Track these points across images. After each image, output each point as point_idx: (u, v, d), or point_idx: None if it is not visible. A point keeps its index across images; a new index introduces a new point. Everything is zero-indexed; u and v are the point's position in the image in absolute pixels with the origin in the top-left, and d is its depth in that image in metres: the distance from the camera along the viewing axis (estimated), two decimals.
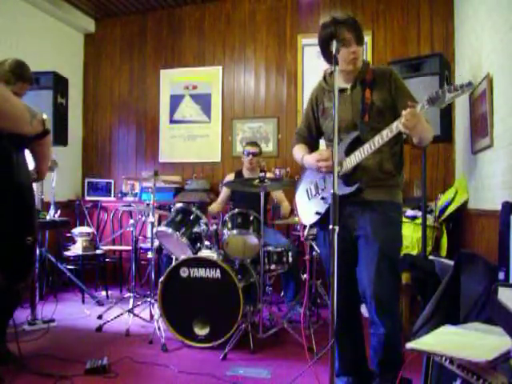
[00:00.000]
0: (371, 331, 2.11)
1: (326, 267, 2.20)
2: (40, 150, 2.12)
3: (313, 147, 2.35)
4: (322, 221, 2.16)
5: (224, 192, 4.17)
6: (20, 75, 2.43)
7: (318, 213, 2.19)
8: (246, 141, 4.83)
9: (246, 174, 4.05)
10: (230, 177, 4.14)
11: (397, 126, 1.86)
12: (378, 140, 1.93)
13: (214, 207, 4.14)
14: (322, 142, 2.38)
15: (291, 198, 4.16)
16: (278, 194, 4.09)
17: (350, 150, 2.04)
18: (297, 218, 3.46)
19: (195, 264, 3.01)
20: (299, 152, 2.30)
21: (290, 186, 4.18)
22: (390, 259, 2.05)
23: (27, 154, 2.15)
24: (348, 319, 2.18)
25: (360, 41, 2.04)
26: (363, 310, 2.51)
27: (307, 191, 2.29)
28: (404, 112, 1.80)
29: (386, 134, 1.90)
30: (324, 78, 2.25)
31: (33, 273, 2.60)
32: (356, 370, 2.21)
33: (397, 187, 2.13)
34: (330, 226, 1.66)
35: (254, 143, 4.11)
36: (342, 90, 2.11)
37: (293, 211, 4.05)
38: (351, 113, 2.09)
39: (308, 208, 2.27)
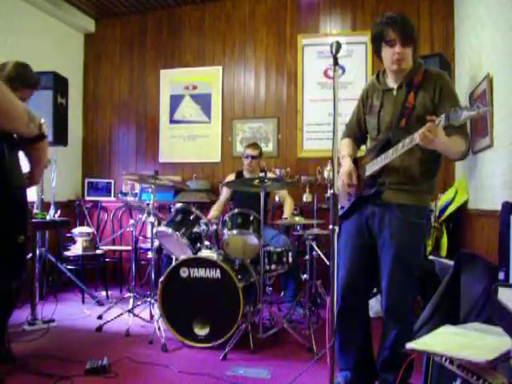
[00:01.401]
0: (382, 331, 2.13)
1: (339, 261, 2.18)
2: (35, 154, 2.10)
3: (360, 142, 2.37)
4: (344, 216, 2.20)
5: (224, 194, 4.16)
6: (25, 81, 2.33)
7: (341, 207, 2.22)
8: (246, 141, 4.84)
9: (247, 175, 4.04)
10: (231, 178, 4.14)
11: (416, 139, 1.81)
12: (400, 147, 1.90)
13: (214, 214, 3.99)
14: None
15: (293, 195, 4.19)
16: (281, 192, 4.09)
17: (379, 152, 2.03)
18: (297, 218, 3.48)
19: (195, 264, 3.01)
20: (343, 148, 2.29)
21: (289, 187, 4.20)
22: (406, 265, 2.02)
23: (22, 157, 2.14)
24: (355, 315, 2.18)
25: (406, 42, 1.98)
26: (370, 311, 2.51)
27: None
28: (422, 127, 1.75)
29: (407, 143, 1.86)
30: (377, 75, 2.22)
31: (27, 272, 2.59)
32: (359, 368, 2.21)
33: (422, 192, 2.07)
34: (330, 226, 1.66)
35: (253, 145, 4.05)
36: (388, 90, 2.11)
37: (295, 207, 4.06)
38: (391, 115, 2.08)
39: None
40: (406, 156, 1.96)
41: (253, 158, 3.95)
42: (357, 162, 2.25)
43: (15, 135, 2.00)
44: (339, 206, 2.24)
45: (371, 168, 2.07)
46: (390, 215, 2.04)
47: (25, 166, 2.16)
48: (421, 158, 2.02)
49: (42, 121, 2.03)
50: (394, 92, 2.09)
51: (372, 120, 2.17)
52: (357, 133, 2.33)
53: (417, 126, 1.89)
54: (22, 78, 2.34)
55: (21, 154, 2.14)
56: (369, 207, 2.10)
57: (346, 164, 2.17)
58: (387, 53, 2.01)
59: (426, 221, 2.14)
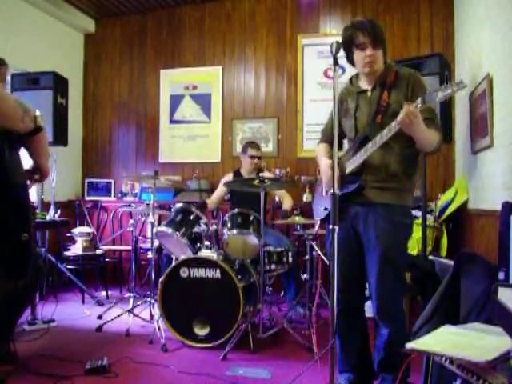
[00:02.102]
0: (376, 331, 2.14)
1: (330, 264, 2.22)
2: (35, 147, 2.08)
3: (337, 146, 2.38)
4: (329, 219, 2.20)
5: (220, 190, 4.15)
6: None
7: (325, 209, 2.25)
8: (246, 141, 4.85)
9: (246, 174, 4.05)
10: (229, 177, 4.13)
11: (395, 126, 1.88)
12: (379, 139, 1.94)
13: (209, 201, 4.14)
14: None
15: (293, 195, 4.18)
16: (280, 192, 4.10)
17: (358, 149, 2.06)
18: (297, 218, 3.48)
19: (195, 264, 3.01)
20: (319, 152, 2.36)
21: (289, 186, 4.20)
22: (393, 263, 2.05)
23: (24, 153, 2.13)
24: (352, 316, 2.20)
25: (377, 44, 2.04)
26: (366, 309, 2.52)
27: (322, 188, 2.35)
28: (401, 111, 1.82)
29: (386, 134, 1.92)
30: (350, 79, 2.28)
31: (38, 270, 2.57)
32: (359, 368, 2.23)
33: (404, 190, 2.10)
34: (330, 226, 1.67)
35: (256, 145, 4.08)
36: (363, 92, 2.16)
37: (295, 207, 4.06)
38: (368, 114, 2.12)
39: (320, 203, 2.34)
40: (386, 153, 2.02)
41: (259, 158, 4.01)
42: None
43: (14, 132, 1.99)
44: (322, 208, 2.27)
45: (351, 165, 2.09)
46: (374, 215, 2.06)
47: (27, 162, 2.15)
48: (400, 154, 2.07)
49: (37, 113, 2.01)
50: (369, 93, 2.15)
51: (348, 122, 2.21)
52: (331, 138, 2.34)
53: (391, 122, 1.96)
54: None
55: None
56: (352, 208, 2.12)
57: (324, 161, 2.23)
58: (359, 56, 2.07)
59: (410, 220, 2.17)
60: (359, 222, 2.10)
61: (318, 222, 2.42)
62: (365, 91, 2.16)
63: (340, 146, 2.39)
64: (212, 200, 4.18)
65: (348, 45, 2.08)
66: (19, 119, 1.89)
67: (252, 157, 3.97)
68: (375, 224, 2.05)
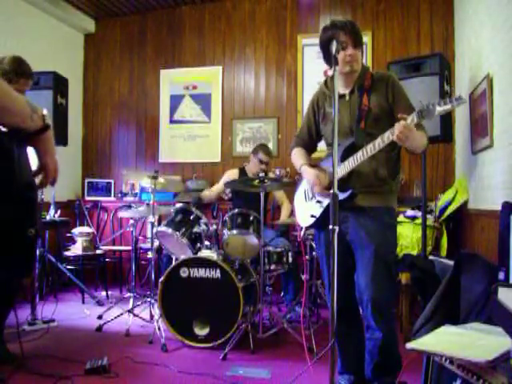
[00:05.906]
0: (367, 336, 2.12)
1: (324, 268, 2.24)
2: (42, 145, 2.08)
3: (311, 150, 2.41)
4: (318, 223, 2.21)
5: (222, 184, 4.12)
6: (21, 72, 2.42)
7: (313, 216, 2.23)
8: (246, 141, 4.85)
9: (250, 174, 4.03)
10: (233, 173, 4.11)
11: (388, 137, 1.88)
12: (371, 148, 1.95)
13: (206, 193, 4.21)
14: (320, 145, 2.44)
15: (292, 199, 4.18)
16: (279, 193, 4.09)
17: (345, 156, 2.06)
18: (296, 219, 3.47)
19: (195, 264, 3.01)
20: (298, 158, 2.34)
21: (289, 186, 4.19)
22: (385, 262, 2.06)
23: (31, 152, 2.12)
24: (348, 319, 2.20)
25: (357, 44, 2.07)
26: None
27: (305, 192, 2.34)
28: (396, 125, 1.82)
29: (378, 144, 1.93)
30: (325, 82, 2.28)
31: (34, 269, 2.59)
32: (359, 369, 2.22)
33: (391, 193, 2.15)
34: (330, 227, 1.67)
35: (268, 151, 4.01)
36: (340, 96, 2.15)
37: (293, 212, 4.05)
38: (349, 118, 2.13)
39: (304, 210, 2.32)
40: (373, 159, 2.02)
41: (267, 164, 3.96)
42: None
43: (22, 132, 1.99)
44: (309, 215, 2.25)
45: (340, 172, 2.06)
46: (363, 217, 2.08)
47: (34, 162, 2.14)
48: (385, 157, 2.09)
49: (45, 112, 2.02)
50: (347, 97, 2.15)
51: (328, 127, 2.20)
52: (307, 142, 2.37)
53: (375, 126, 2.02)
54: (19, 69, 2.43)
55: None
56: (341, 213, 2.09)
57: (308, 171, 2.22)
58: (339, 56, 2.06)
59: (395, 222, 2.20)
60: (348, 226, 2.11)
61: (304, 229, 2.43)
62: (342, 96, 2.15)
63: (314, 150, 2.42)
64: (212, 190, 4.20)
65: (328, 44, 2.05)
66: (28, 117, 1.90)
67: (261, 161, 3.94)
68: (365, 225, 2.07)
